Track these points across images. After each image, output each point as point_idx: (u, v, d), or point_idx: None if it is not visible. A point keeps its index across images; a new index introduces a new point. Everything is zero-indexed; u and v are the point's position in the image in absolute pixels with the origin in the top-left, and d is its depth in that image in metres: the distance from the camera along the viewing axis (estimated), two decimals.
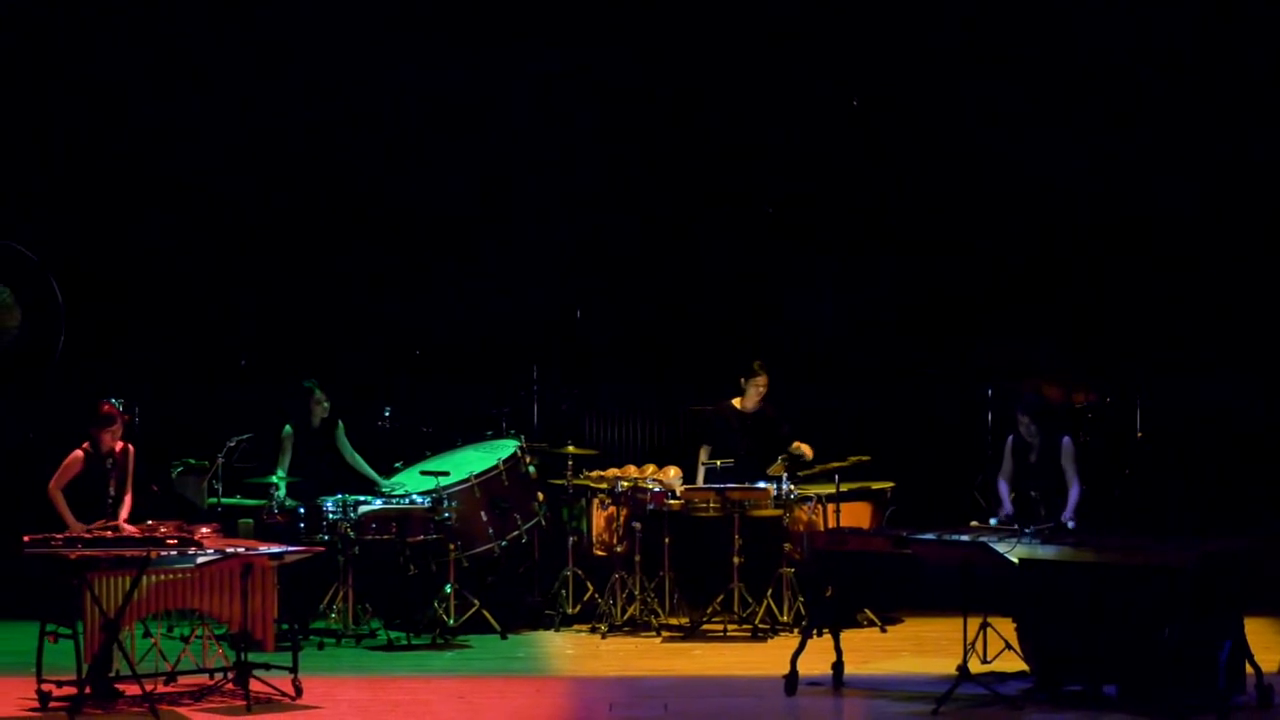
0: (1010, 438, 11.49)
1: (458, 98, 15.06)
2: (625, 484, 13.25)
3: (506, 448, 13.41)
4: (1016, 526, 10.89)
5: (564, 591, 13.48)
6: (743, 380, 13.45)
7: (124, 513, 11.50)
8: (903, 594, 12.00)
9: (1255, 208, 14.76)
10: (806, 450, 13.17)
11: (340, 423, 13.45)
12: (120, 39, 14.72)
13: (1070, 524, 11.04)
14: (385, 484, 13.19)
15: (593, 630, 13.17)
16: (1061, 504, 11.14)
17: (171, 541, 10.68)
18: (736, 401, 13.55)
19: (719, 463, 13.33)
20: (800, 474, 13.19)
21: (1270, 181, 14.74)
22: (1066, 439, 11.23)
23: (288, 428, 13.34)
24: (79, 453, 11.38)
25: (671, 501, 13.15)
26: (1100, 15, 14.70)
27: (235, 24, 14.79)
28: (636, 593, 13.16)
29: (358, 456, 13.40)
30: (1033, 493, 11.32)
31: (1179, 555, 10.22)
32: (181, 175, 14.88)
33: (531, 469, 13.42)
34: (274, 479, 13.00)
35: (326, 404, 13.38)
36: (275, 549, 11.00)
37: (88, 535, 10.79)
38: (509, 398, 14.82)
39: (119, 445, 11.55)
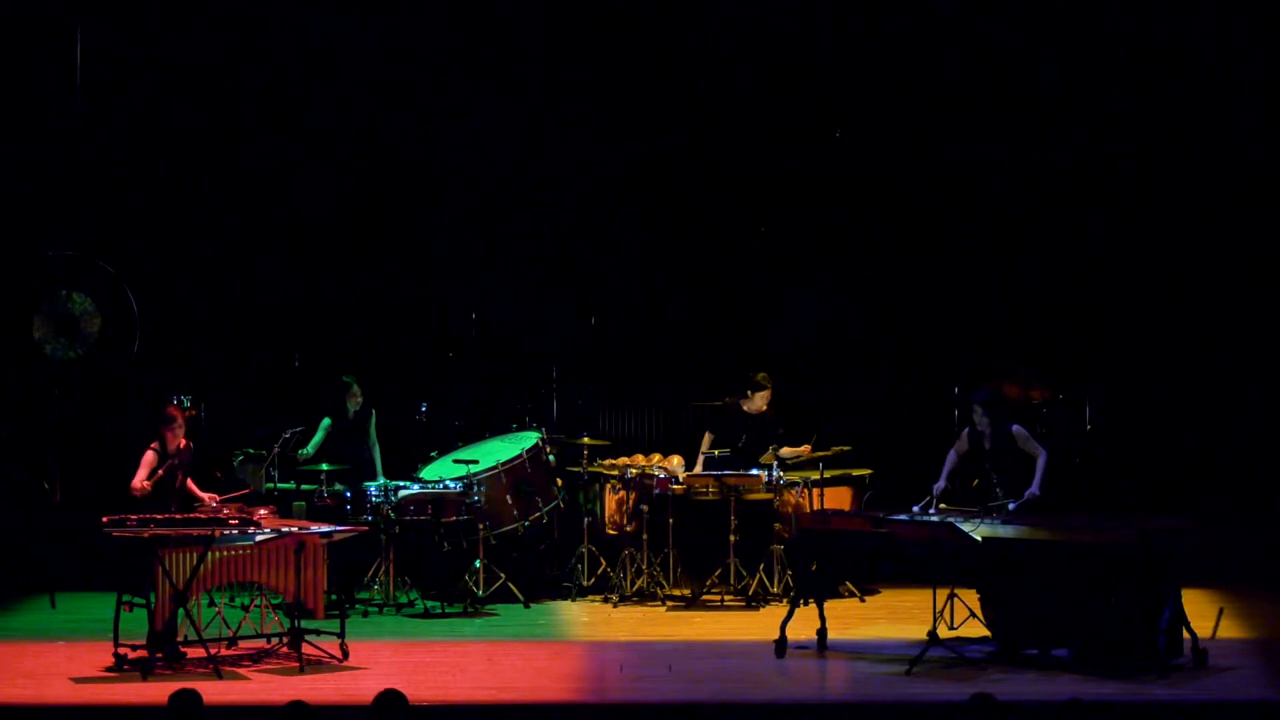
0: (966, 428, 11.47)
1: (486, 121, 15.10)
2: (634, 471, 13.28)
3: (529, 439, 13.41)
4: (976, 508, 10.90)
5: (580, 566, 13.50)
6: (748, 391, 13.44)
7: (207, 495, 11.54)
8: (880, 568, 12.02)
9: (1197, 216, 14.75)
10: (802, 451, 13.19)
11: (373, 413, 13.49)
12: (181, 62, 14.70)
13: (1036, 492, 10.92)
14: (382, 481, 13.16)
15: (605, 600, 13.19)
16: (1018, 482, 11.07)
17: (233, 522, 10.76)
18: (743, 401, 13.55)
19: (717, 452, 13.35)
20: (789, 462, 13.23)
21: (1213, 188, 14.72)
22: (1015, 426, 11.20)
23: (326, 420, 13.38)
24: (150, 453, 11.43)
25: (675, 486, 13.16)
26: (1067, 30, 14.68)
27: (283, 40, 14.79)
28: (644, 567, 13.18)
29: (377, 450, 13.45)
30: (993, 476, 11.27)
31: (1123, 534, 10.24)
32: (241, 194, 14.90)
33: (551, 458, 13.43)
34: (305, 452, 13.10)
35: (360, 398, 13.42)
36: (325, 528, 11.04)
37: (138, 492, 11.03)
38: (531, 394, 14.82)
39: (183, 442, 11.58)
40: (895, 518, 10.84)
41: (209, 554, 10.42)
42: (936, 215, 15.00)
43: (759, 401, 13.41)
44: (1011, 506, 10.78)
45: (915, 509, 11.07)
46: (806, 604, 11.23)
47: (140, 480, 11.34)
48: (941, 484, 11.30)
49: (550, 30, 14.94)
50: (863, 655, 10.93)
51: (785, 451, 13.20)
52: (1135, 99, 14.72)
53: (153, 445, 11.46)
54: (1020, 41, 14.71)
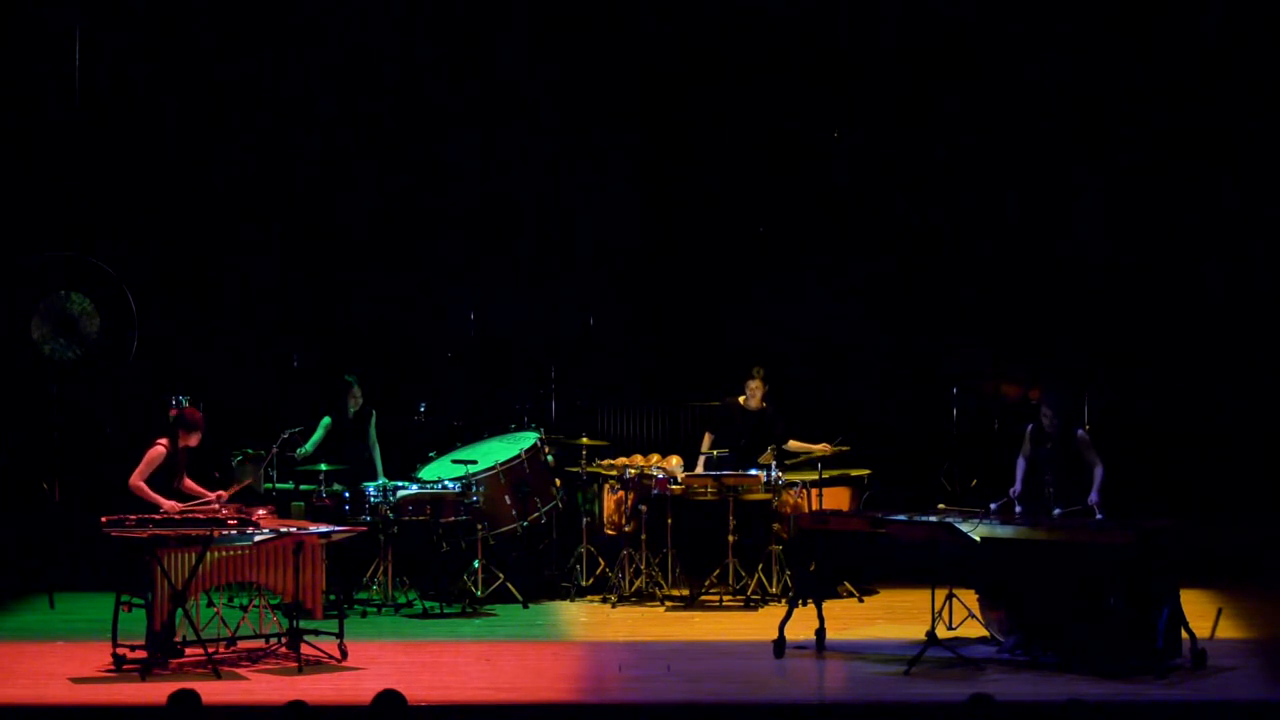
0: (1030, 425, 11.28)
1: (487, 127, 15.09)
2: (633, 471, 13.28)
3: (528, 439, 13.41)
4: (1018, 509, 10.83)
5: (578, 566, 13.50)
6: (746, 384, 13.44)
7: (209, 494, 11.48)
8: (878, 568, 12.00)
9: (1197, 216, 14.75)
10: (818, 449, 13.14)
11: (374, 413, 13.50)
12: (181, 62, 14.67)
13: (1095, 504, 10.80)
14: (381, 481, 13.17)
15: (604, 600, 13.18)
16: (1073, 488, 10.95)
17: (232, 522, 10.74)
18: (741, 399, 13.54)
19: (716, 452, 13.34)
20: (787, 462, 13.22)
21: (1201, 194, 14.72)
22: (1081, 431, 11.06)
23: (326, 419, 13.39)
24: (160, 449, 11.31)
25: (674, 487, 13.15)
26: (1049, 50, 14.67)
27: (284, 42, 14.77)
28: (643, 567, 13.18)
29: (377, 450, 13.45)
30: (1048, 477, 11.14)
31: (1120, 534, 10.24)
32: (241, 194, 14.90)
33: (550, 458, 13.43)
34: (304, 450, 13.10)
35: (361, 398, 13.45)
36: (324, 528, 11.03)
37: (178, 516, 10.85)
38: (530, 395, 14.82)
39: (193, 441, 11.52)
40: (893, 518, 10.82)
41: (207, 554, 10.42)
42: (936, 215, 14.98)
43: (755, 395, 13.41)
44: (1057, 512, 10.68)
45: (993, 506, 10.92)
46: (805, 604, 11.22)
47: (138, 479, 11.26)
48: (1018, 488, 11.14)
49: (549, 32, 14.93)
50: (861, 655, 10.92)
51: (796, 446, 13.18)
52: (1135, 94, 14.70)
53: (161, 441, 11.31)
54: (1019, 40, 14.70)
